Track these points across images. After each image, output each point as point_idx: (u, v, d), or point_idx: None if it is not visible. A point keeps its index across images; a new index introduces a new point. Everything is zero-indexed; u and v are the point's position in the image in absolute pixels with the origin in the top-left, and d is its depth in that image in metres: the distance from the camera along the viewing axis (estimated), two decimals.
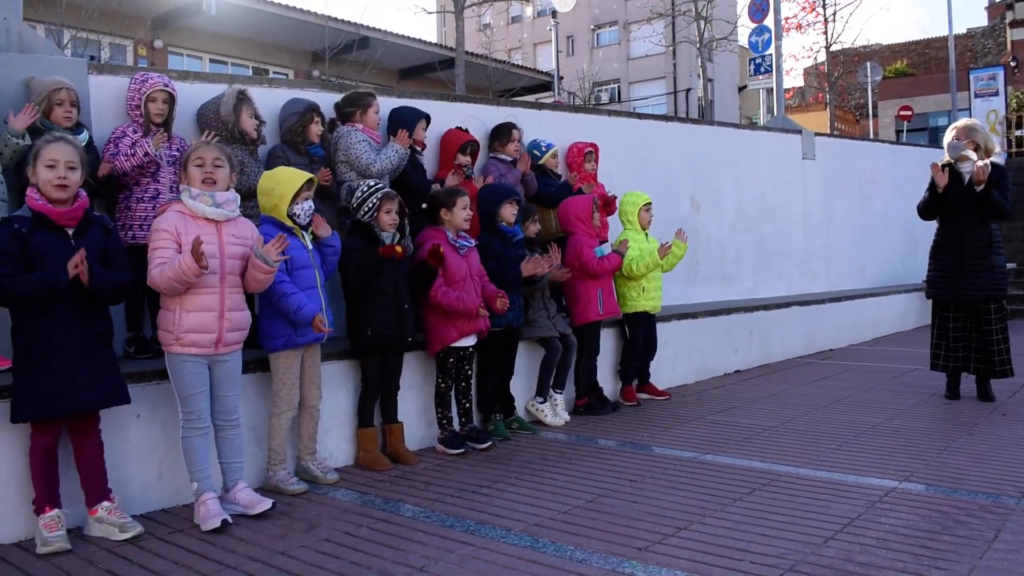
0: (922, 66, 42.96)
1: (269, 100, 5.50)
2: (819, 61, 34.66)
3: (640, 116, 9.90)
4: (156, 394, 4.28)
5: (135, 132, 4.80)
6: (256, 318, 4.49)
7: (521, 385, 6.21)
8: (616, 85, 44.66)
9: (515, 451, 5.43)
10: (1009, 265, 10.60)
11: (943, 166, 6.51)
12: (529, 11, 43.34)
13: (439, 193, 5.58)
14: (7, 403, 3.72)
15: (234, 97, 5.10)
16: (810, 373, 8.42)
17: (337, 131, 5.75)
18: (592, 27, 45.90)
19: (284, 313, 4.44)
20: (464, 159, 6.34)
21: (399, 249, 4.97)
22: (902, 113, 29.33)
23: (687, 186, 9.51)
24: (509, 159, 6.74)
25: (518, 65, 29.41)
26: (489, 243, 5.72)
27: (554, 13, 27.40)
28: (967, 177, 6.40)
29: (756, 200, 10.51)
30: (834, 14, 30.34)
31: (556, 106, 10.50)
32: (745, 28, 17.51)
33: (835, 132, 28.06)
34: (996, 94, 24.71)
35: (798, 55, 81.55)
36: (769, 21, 13.92)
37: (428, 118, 6.18)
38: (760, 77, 14.39)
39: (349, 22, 20.19)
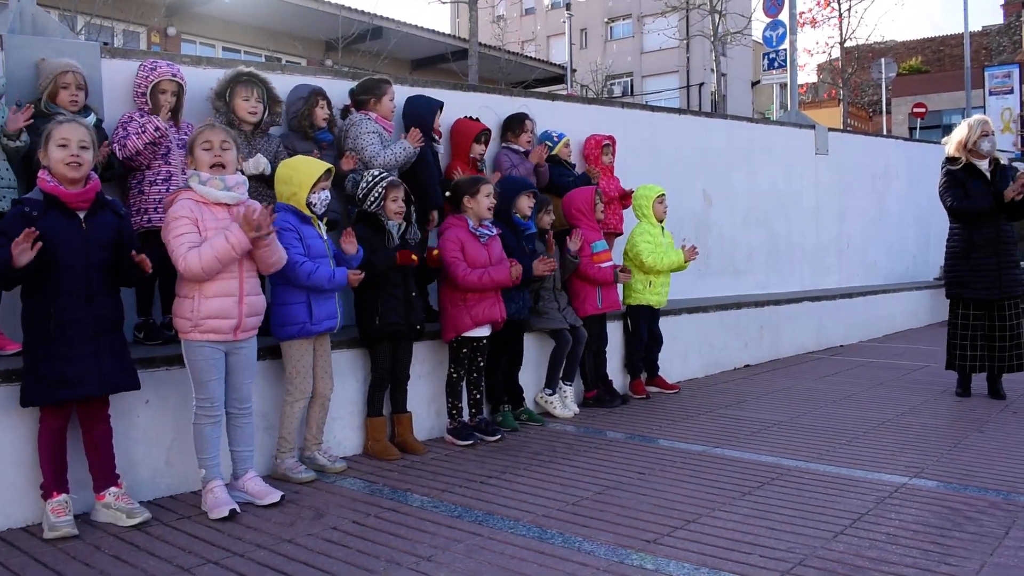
0: (936, 63, 42.73)
1: (281, 86, 5.44)
2: (833, 57, 34.47)
3: (653, 109, 9.84)
4: (166, 380, 4.27)
5: (142, 116, 4.74)
6: (267, 307, 4.47)
7: (530, 377, 6.20)
8: (629, 78, 44.60)
9: (524, 442, 5.42)
10: None
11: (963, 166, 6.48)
12: (546, 2, 43.26)
13: (462, 181, 5.53)
14: (16, 387, 3.71)
15: (227, 78, 5.03)
16: (820, 369, 8.39)
17: (349, 118, 5.70)
18: (606, 20, 45.84)
19: (318, 287, 4.45)
20: (480, 148, 6.31)
21: (415, 258, 4.99)
22: (916, 110, 29.17)
23: (700, 179, 9.47)
24: (521, 150, 6.72)
25: (531, 57, 29.30)
26: (501, 234, 5.70)
27: (568, 5, 27.33)
28: (987, 174, 6.41)
29: (768, 194, 10.46)
30: (849, 9, 30.17)
31: (569, 97, 10.49)
32: (759, 22, 17.47)
33: (848, 128, 27.90)
34: (1011, 92, 24.62)
35: (812, 50, 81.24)
36: (784, 16, 13.87)
37: (441, 105, 6.15)
38: (774, 72, 14.37)
39: (363, 12, 20.17)
